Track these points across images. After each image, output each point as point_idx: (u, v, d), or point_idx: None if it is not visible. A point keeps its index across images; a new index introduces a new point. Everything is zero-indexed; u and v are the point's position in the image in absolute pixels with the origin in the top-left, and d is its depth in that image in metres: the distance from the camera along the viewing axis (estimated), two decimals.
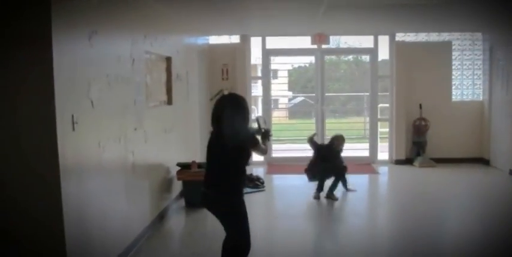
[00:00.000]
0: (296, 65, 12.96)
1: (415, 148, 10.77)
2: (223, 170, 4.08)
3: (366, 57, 11.84)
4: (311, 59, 11.34)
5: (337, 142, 8.25)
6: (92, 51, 4.50)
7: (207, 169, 4.21)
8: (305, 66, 12.91)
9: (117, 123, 5.16)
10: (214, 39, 10.71)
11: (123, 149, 5.33)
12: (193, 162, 7.32)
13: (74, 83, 4.14)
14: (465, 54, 10.82)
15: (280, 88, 11.92)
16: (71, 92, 4.06)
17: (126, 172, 5.44)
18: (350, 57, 12.79)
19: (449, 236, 6.37)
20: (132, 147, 5.57)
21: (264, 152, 4.32)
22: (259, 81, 11.68)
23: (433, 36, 10.76)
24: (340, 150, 8.28)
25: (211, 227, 6.40)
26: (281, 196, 8.59)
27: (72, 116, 4.03)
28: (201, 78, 9.69)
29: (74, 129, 4.06)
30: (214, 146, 4.14)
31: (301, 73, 13.14)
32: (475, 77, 10.89)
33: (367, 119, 11.51)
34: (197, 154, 8.57)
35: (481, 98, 10.85)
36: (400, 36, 10.71)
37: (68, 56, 4.01)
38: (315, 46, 10.77)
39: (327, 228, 6.78)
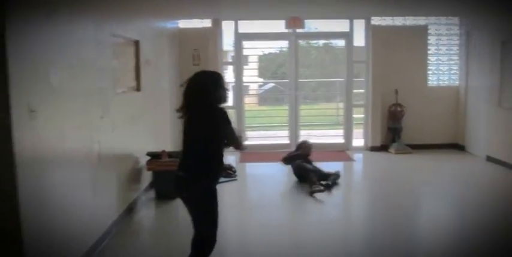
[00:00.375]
0: (267, 51, 12.65)
1: (391, 134, 10.58)
2: (198, 153, 3.83)
3: (337, 43, 11.59)
4: (283, 44, 11.04)
5: (306, 147, 8.48)
6: (51, 32, 4.11)
7: (183, 151, 3.94)
8: (275, 52, 12.64)
9: (81, 111, 4.80)
10: (184, 23, 10.31)
11: (88, 138, 4.98)
12: (164, 151, 6.99)
13: (31, 67, 3.76)
14: (441, 39, 10.63)
15: (250, 74, 11.61)
16: (27, 77, 3.68)
17: (91, 163, 5.08)
18: (320, 43, 12.51)
19: (427, 224, 6.27)
20: (98, 136, 5.22)
21: (238, 144, 3.99)
22: (228, 68, 11.27)
23: (410, 21, 10.52)
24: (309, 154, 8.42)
25: (183, 220, 6.05)
26: (254, 185, 8.33)
27: (29, 104, 3.66)
28: (171, 63, 9.33)
29: (31, 118, 3.69)
30: (190, 127, 3.87)
31: (272, 59, 12.84)
32: (451, 62, 10.72)
33: (341, 105, 11.24)
34: (167, 142, 8.24)
35: (457, 83, 10.69)
36: (376, 20, 10.44)
37: (23, 37, 3.62)
38: (290, 30, 10.49)
39: (302, 219, 6.53)
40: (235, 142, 3.92)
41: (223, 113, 3.75)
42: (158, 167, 6.86)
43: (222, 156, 3.91)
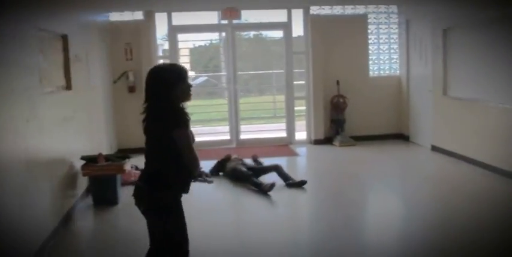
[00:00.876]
0: (197, 44, 12.21)
1: (334, 126, 10.34)
2: (157, 159, 3.33)
3: (274, 34, 11.25)
4: (216, 36, 10.64)
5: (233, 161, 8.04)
6: None
7: (145, 156, 3.43)
8: (205, 45, 12.22)
9: (4, 115, 4.25)
10: (116, 16, 9.71)
11: (14, 145, 4.43)
12: (100, 155, 6.47)
13: None
14: (381, 28, 10.47)
15: None
16: None
17: (18, 172, 4.53)
18: (254, 34, 12.15)
19: (377, 219, 6.12)
20: (25, 142, 4.67)
21: (192, 159, 3.28)
22: (162, 62, 10.72)
23: (348, 10, 10.29)
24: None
25: (125, 228, 5.69)
26: (196, 187, 7.86)
27: None
28: (103, 59, 8.77)
29: None
30: (147, 127, 3.36)
31: (203, 52, 12.39)
32: (392, 51, 10.59)
33: (282, 97, 10.84)
34: (103, 145, 7.70)
35: (398, 72, 10.56)
36: (314, 10, 10.15)
37: None
38: (225, 22, 10.08)
39: (249, 219, 6.19)
40: (189, 151, 3.26)
41: (182, 114, 3.24)
42: (94, 172, 6.34)
43: (183, 164, 3.31)
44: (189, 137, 3.24)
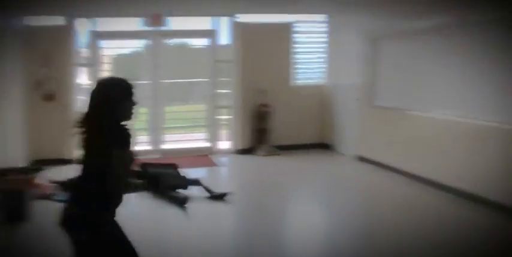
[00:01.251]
0: (120, 52, 11.86)
1: (258, 135, 10.24)
2: (90, 177, 3.05)
3: (198, 41, 11.03)
4: (142, 43, 10.33)
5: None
6: None
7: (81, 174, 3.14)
8: (128, 53, 11.88)
9: None
10: (33, 21, 9.18)
11: None
12: (12, 168, 6.06)
13: None
14: (309, 37, 10.46)
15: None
16: None
17: None
18: (175, 42, 11.90)
19: (299, 228, 6.09)
20: None
21: (119, 178, 3.05)
22: (81, 70, 10.26)
23: (276, 18, 10.20)
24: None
25: (36, 246, 5.29)
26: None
27: None
28: (17, 65, 8.30)
29: None
30: (84, 145, 3.09)
31: (125, 60, 12.03)
32: (320, 60, 10.59)
33: (206, 106, 10.60)
34: (18, 156, 7.27)
35: (324, 82, 10.59)
36: (241, 18, 10.00)
37: None
38: (150, 28, 9.78)
39: (166, 235, 5.90)
40: (120, 173, 3.01)
41: (122, 133, 3.00)
42: (7, 186, 5.91)
43: (118, 186, 3.07)
44: (125, 156, 3.00)
